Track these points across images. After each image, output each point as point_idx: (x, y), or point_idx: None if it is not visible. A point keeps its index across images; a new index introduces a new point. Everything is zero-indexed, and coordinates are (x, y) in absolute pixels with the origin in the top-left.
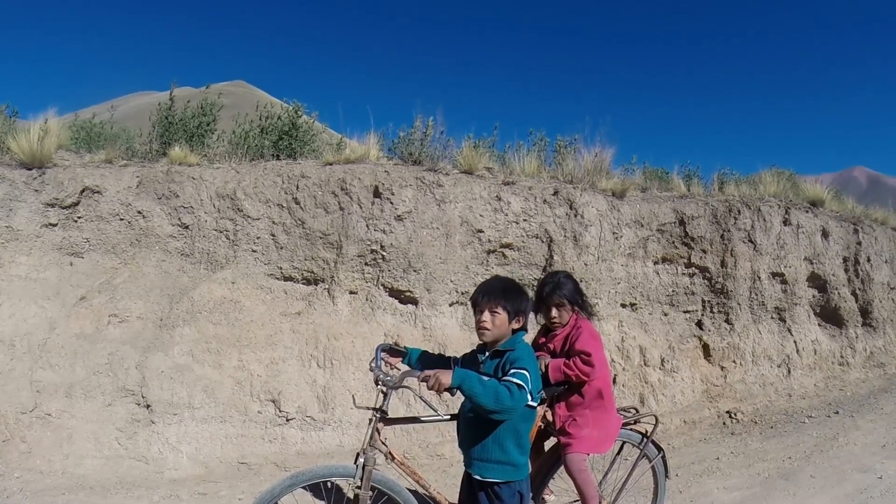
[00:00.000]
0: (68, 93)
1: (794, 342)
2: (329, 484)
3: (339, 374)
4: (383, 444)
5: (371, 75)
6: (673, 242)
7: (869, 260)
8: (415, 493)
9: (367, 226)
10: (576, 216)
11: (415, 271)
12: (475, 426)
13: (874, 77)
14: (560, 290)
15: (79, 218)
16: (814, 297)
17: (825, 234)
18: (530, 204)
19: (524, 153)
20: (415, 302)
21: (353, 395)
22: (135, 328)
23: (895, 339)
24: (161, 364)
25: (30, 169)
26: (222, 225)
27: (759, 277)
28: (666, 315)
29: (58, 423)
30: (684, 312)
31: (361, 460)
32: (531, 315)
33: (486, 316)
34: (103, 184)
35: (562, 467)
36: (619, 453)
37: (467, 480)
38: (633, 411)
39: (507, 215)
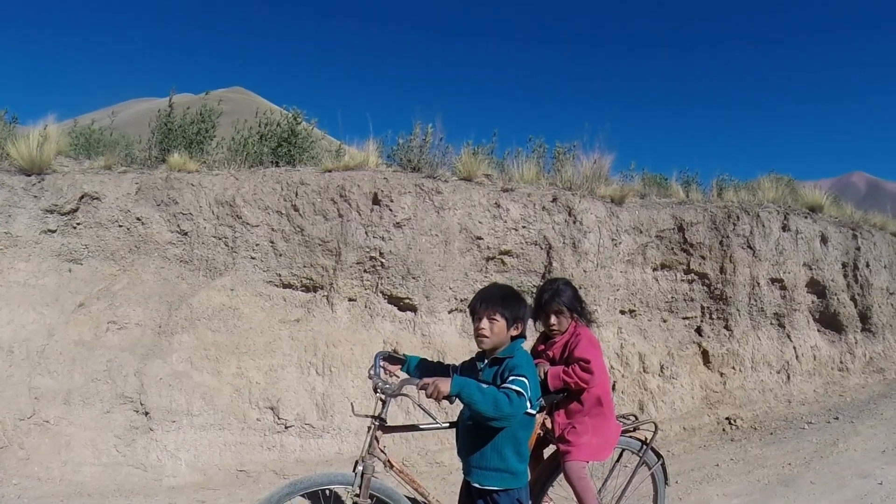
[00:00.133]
0: (68, 99)
1: (794, 348)
2: (328, 492)
3: (337, 381)
4: (382, 451)
5: (370, 82)
6: (672, 249)
7: (868, 265)
8: (413, 500)
9: (366, 233)
10: (575, 223)
11: (414, 278)
12: (474, 434)
13: (873, 82)
14: (559, 297)
15: (78, 224)
16: (813, 302)
17: (824, 240)
18: (529, 211)
19: (523, 160)
20: (414, 309)
21: (351, 403)
22: (133, 335)
23: (894, 345)
24: (160, 371)
25: (29, 175)
26: (221, 232)
27: (759, 283)
28: (665, 321)
29: (56, 429)
30: (683, 319)
31: (360, 468)
32: (530, 322)
33: (485, 323)
34: (102, 190)
35: (561, 475)
36: (618, 460)
37: (466, 488)
38: (633, 418)
39: (505, 222)
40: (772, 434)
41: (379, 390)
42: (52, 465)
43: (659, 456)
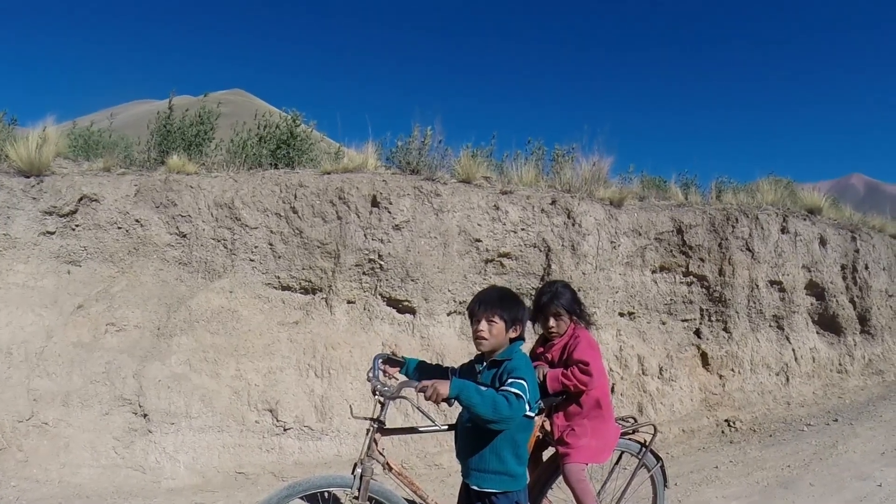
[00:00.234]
0: (67, 101)
1: (793, 350)
2: (326, 494)
3: (336, 383)
4: (381, 454)
5: (369, 84)
6: (671, 251)
7: (867, 267)
8: (412, 503)
9: (364, 235)
10: (573, 225)
11: (413, 281)
12: (473, 436)
13: (872, 84)
14: (558, 299)
15: (76, 226)
16: (812, 304)
17: (823, 242)
18: (528, 213)
19: (522, 162)
20: (413, 311)
21: (350, 405)
22: (132, 337)
23: (893, 347)
24: (158, 373)
25: (28, 177)
26: (220, 234)
27: (758, 285)
28: (664, 324)
29: (55, 431)
30: (682, 321)
31: (359, 471)
32: (529, 324)
33: (483, 325)
34: (101, 192)
35: (560, 477)
36: (617, 463)
37: (465, 491)
38: (632, 420)
39: (504, 224)
40: (771, 436)
41: (378, 393)
42: (50, 466)
43: (658, 458)
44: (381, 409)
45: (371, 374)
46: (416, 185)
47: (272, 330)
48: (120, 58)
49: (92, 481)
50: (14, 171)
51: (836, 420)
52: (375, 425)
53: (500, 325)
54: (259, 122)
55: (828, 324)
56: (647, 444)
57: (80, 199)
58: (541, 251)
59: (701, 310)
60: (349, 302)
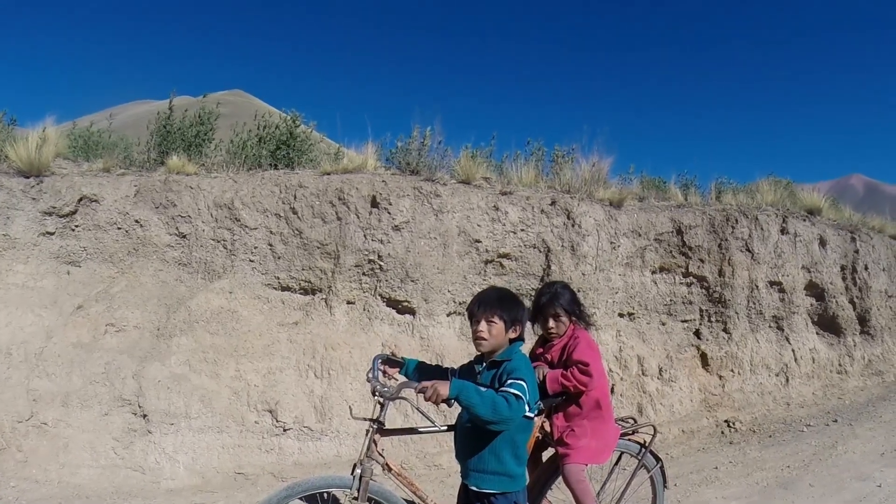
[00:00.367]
0: (67, 101)
1: (793, 351)
2: (326, 495)
3: (336, 384)
4: (380, 454)
5: (369, 85)
6: (670, 252)
7: (866, 268)
8: (412, 503)
9: (364, 236)
10: (573, 226)
11: (412, 281)
12: (472, 437)
13: (871, 85)
14: (557, 300)
15: (76, 227)
16: (811, 305)
17: (823, 243)
18: (528, 214)
19: (522, 163)
20: (412, 312)
21: (350, 406)
22: (132, 337)
23: (893, 347)
24: (158, 374)
25: (27, 177)
26: (220, 234)
27: (757, 286)
28: (664, 324)
29: (54, 432)
30: (682, 322)
31: (358, 471)
32: (528, 325)
33: (483, 326)
34: (101, 192)
35: (560, 478)
36: (617, 463)
37: (464, 491)
38: (632, 421)
39: (504, 225)
40: (770, 437)
41: (377, 393)
42: (50, 467)
43: (658, 459)
44: (381, 410)
45: (371, 375)
46: (416, 185)
47: (272, 330)
48: (119, 58)
49: (91, 482)
50: (14, 171)
51: (836, 421)
52: (375, 426)
53: (499, 325)
54: (259, 123)
55: (827, 324)
56: (646, 444)
57: (80, 199)
58: (540, 252)
59: (700, 310)
60: (349, 302)
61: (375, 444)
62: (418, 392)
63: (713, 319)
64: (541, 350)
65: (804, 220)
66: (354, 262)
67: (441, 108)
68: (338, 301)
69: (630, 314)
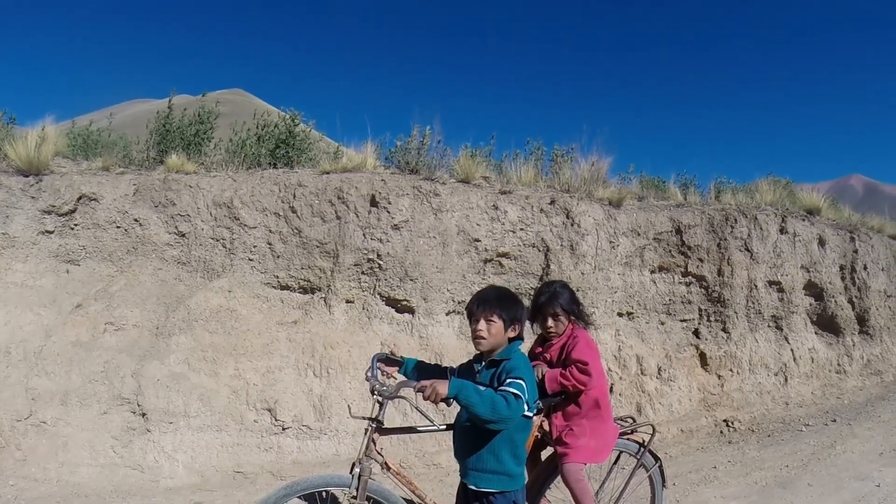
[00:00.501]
0: (66, 100)
1: (791, 350)
2: (324, 494)
3: (335, 383)
4: (379, 453)
5: (369, 84)
6: (670, 251)
7: (865, 268)
8: (410, 502)
9: (363, 235)
10: (572, 225)
11: (411, 280)
12: (471, 436)
13: (871, 84)
14: (556, 299)
15: (75, 225)
16: (810, 305)
17: (822, 243)
18: (527, 213)
19: (521, 162)
20: (411, 311)
21: (349, 405)
22: (131, 336)
23: (892, 347)
24: (157, 372)
25: (27, 176)
26: (219, 233)
27: (756, 286)
28: (663, 324)
29: (53, 430)
30: (681, 321)
31: (357, 470)
32: (528, 324)
33: (482, 325)
34: (100, 191)
35: (559, 477)
36: (615, 463)
37: (463, 490)
38: (630, 420)
39: (503, 224)
40: (769, 436)
41: (376, 392)
42: (49, 465)
43: (657, 458)
44: (380, 409)
45: (369, 374)
46: (415, 184)
47: (271, 329)
48: (119, 57)
49: (90, 480)
50: (13, 170)
51: (835, 420)
52: (374, 425)
53: (498, 324)
54: (258, 122)
55: (826, 324)
56: (645, 444)
57: (79, 198)
58: (539, 251)
59: (700, 310)
60: (348, 301)
61: (374, 443)
62: (417, 391)
63: (712, 319)
64: (540, 349)
65: (803, 220)
66: (353, 261)
67: (440, 108)
68: (337, 300)
69: (629, 313)
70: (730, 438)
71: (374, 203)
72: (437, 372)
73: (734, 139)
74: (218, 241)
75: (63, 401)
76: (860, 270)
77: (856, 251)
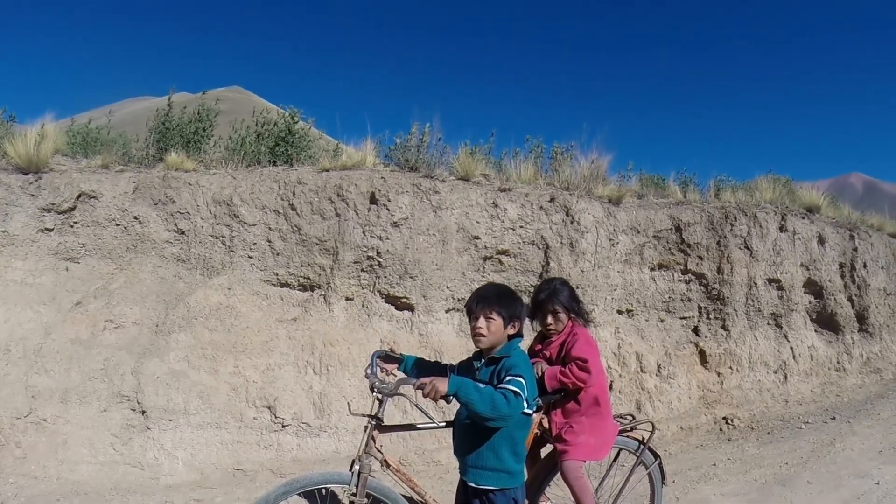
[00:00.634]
0: (66, 98)
1: (791, 348)
2: (324, 491)
3: (335, 380)
4: (379, 451)
5: (368, 82)
6: (669, 249)
7: (865, 266)
8: (410, 499)
9: (363, 232)
10: (572, 223)
11: (411, 278)
12: (471, 433)
13: (871, 83)
14: (556, 296)
15: (75, 223)
16: (810, 303)
17: (821, 241)
18: (527, 210)
19: (521, 160)
20: (411, 308)
21: (348, 402)
22: (130, 334)
23: (891, 345)
24: (157, 370)
25: (26, 174)
26: (218, 231)
27: (756, 284)
28: (662, 321)
29: (53, 428)
30: (681, 319)
31: (357, 467)
32: (527, 322)
33: (482, 322)
34: (100, 189)
35: (558, 474)
36: (615, 460)
37: (462, 488)
38: (630, 418)
39: (503, 222)
40: (769, 434)
41: (376, 389)
42: (48, 463)
43: (656, 455)
44: (380, 406)
45: (369, 371)
46: (415, 182)
47: (270, 327)
48: (118, 55)
49: (90, 478)
50: (12, 167)
51: (834, 418)
52: (373, 422)
53: (498, 322)
54: (257, 120)
55: (826, 322)
56: (645, 441)
57: (79, 196)
58: (539, 248)
59: (699, 308)
60: (347, 299)
61: (374, 441)
62: (417, 388)
63: (712, 316)
64: (539, 347)
65: (803, 218)
66: (353, 259)
67: (440, 107)
68: (336, 297)
69: (629, 311)
70: (729, 436)
71: (373, 200)
72: (436, 369)
73: (734, 138)
74: (217, 238)
75: (63, 398)
76: (860, 268)
77: (855, 249)
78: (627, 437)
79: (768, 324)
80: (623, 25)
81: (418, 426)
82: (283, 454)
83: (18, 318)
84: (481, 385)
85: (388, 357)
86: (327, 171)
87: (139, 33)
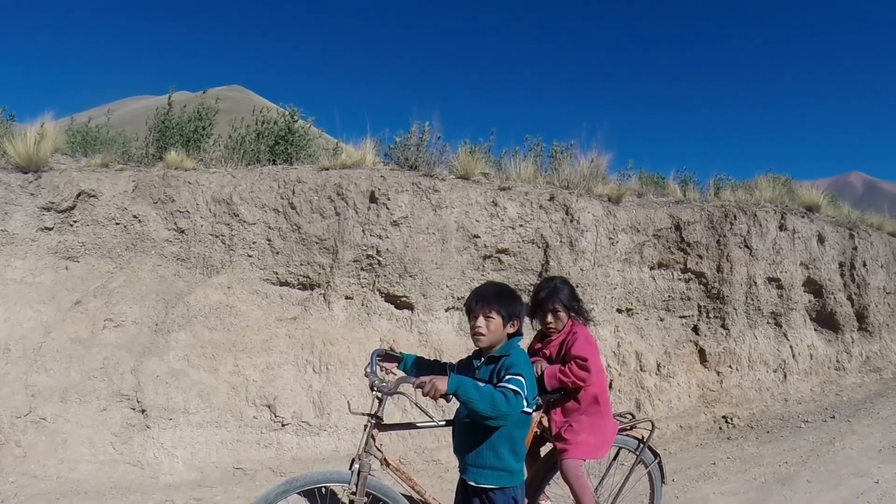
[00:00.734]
0: (65, 96)
1: (790, 347)
2: (324, 490)
3: (334, 379)
4: (378, 449)
5: (368, 81)
6: (669, 248)
7: (865, 265)
8: (410, 498)
9: (363, 231)
10: (572, 221)
11: (411, 276)
12: (470, 432)
13: (870, 82)
14: (556, 295)
15: (74, 222)
16: (810, 302)
17: (821, 240)
18: (526, 209)
19: (520, 159)
20: (411, 307)
21: (348, 401)
22: (130, 333)
23: (891, 344)
24: (156, 369)
25: (26, 172)
26: (218, 230)
27: (755, 282)
28: (662, 320)
29: (52, 427)
30: (680, 318)
31: (356, 466)
32: (527, 320)
33: (481, 321)
34: (99, 188)
35: (558, 473)
36: (615, 459)
37: (462, 486)
38: (630, 417)
39: (503, 220)
40: (768, 433)
41: (376, 388)
42: (48, 462)
43: (656, 454)
44: (379, 405)
45: (369, 370)
46: (415, 180)
47: (270, 325)
48: (118, 54)
49: (90, 477)
50: (12, 166)
51: (834, 417)
52: (373, 421)
53: (497, 320)
54: (257, 118)
55: (826, 321)
56: (644, 440)
57: (78, 194)
58: (539, 247)
59: (699, 306)
60: (347, 298)
61: (374, 439)
62: (416, 387)
63: (711, 315)
64: (539, 345)
65: (803, 217)
66: (353, 258)
67: (440, 106)
68: (336, 296)
69: (628, 310)
70: (729, 435)
71: (373, 199)
72: (436, 368)
73: (733, 137)
74: (217, 237)
75: (62, 397)
76: (859, 267)
77: (855, 248)
78: (627, 435)
79: (768, 323)
80: (623, 25)
81: (418, 425)
82: (283, 453)
83: (18, 317)
84: (481, 384)
85: (387, 356)
86: (327, 169)
87: (139, 32)
